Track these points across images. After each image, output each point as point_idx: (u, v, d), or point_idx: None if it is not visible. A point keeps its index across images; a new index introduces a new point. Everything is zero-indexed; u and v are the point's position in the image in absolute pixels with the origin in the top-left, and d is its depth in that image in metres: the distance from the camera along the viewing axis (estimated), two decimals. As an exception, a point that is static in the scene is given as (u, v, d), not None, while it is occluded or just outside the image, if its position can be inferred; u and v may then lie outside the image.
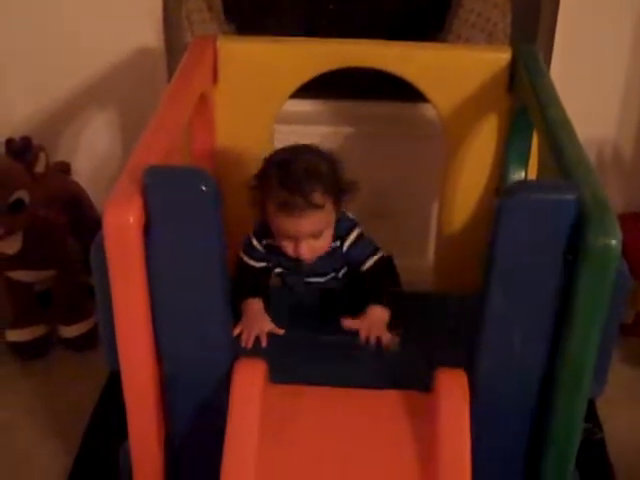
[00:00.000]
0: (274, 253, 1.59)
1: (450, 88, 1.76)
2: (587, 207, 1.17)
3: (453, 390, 1.30)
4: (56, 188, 2.09)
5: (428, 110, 2.08)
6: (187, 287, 1.27)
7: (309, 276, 1.63)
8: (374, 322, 1.51)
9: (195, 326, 1.30)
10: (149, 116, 2.16)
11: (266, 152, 1.80)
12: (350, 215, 1.60)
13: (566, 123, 1.43)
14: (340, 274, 1.64)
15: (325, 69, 1.76)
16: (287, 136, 2.12)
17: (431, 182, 2.07)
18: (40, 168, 1.95)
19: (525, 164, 1.79)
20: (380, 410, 1.36)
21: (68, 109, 2.23)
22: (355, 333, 1.49)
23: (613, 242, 1.14)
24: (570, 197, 1.17)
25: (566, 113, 1.47)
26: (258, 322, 1.53)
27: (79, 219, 2.15)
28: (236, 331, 1.51)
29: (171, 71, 2.11)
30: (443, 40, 2.00)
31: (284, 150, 1.53)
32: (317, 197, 1.44)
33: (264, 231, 1.57)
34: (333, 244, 1.56)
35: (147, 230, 1.22)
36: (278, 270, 1.65)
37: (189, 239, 1.23)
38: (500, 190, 1.81)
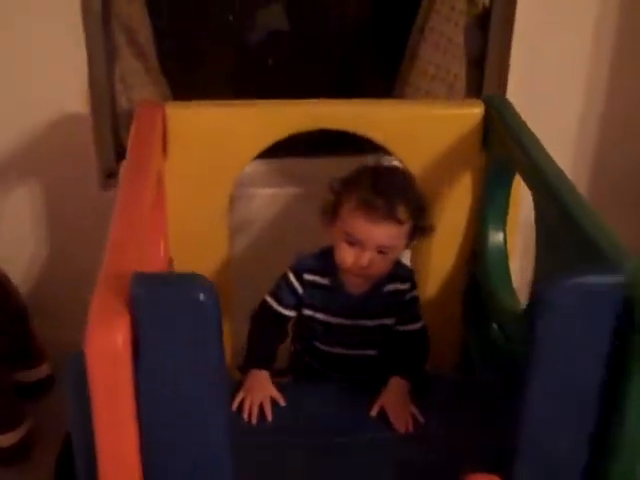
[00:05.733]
0: (318, 289, 1.51)
1: (421, 148, 1.64)
2: (633, 288, 1.06)
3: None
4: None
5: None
6: (184, 414, 1.08)
7: (358, 317, 1.53)
8: (400, 397, 1.45)
9: (193, 460, 1.10)
10: (74, 189, 1.99)
11: (221, 228, 1.66)
12: None
13: (568, 185, 1.33)
14: (390, 322, 1.55)
15: (286, 134, 1.61)
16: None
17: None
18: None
19: (503, 224, 1.68)
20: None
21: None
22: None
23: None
24: (618, 280, 1.05)
25: (561, 170, 1.38)
26: (261, 389, 1.45)
27: (2, 307, 1.91)
28: (236, 402, 1.43)
29: (99, 139, 1.93)
30: (400, 93, 1.88)
31: (380, 165, 1.53)
32: (401, 211, 1.41)
33: (309, 265, 1.52)
34: (400, 285, 1.53)
35: (135, 349, 1.03)
36: (319, 317, 1.54)
37: (187, 357, 1.04)
38: (478, 253, 1.69)
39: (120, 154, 2.01)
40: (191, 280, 1.04)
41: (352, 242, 1.43)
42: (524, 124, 1.54)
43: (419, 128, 1.62)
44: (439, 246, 1.72)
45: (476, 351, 1.71)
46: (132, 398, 1.04)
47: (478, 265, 1.71)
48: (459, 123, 1.62)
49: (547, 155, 1.43)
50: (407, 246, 1.50)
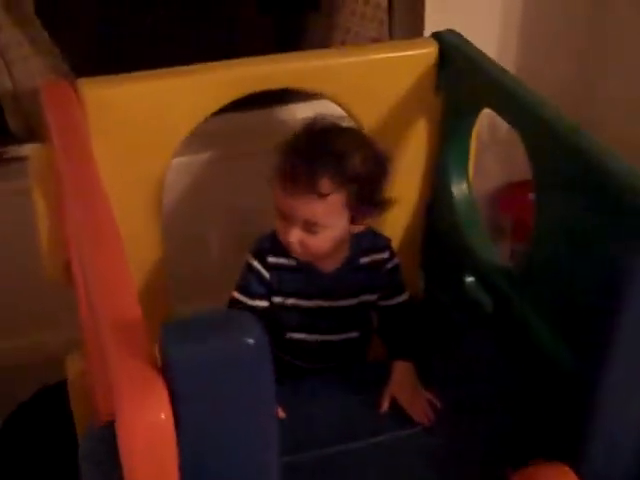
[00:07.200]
0: (285, 272, 1.33)
1: (373, 99, 1.46)
2: None
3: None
4: None
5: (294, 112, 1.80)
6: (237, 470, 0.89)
7: (335, 297, 1.35)
8: (409, 383, 1.30)
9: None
10: None
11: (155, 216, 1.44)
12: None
13: (582, 132, 1.20)
14: (372, 298, 1.38)
15: (224, 102, 1.38)
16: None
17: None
18: None
19: (466, 171, 1.54)
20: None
21: None
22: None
23: None
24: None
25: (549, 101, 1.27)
26: None
27: None
28: None
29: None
30: (324, 39, 1.66)
31: (320, 123, 1.28)
32: (324, 184, 1.20)
33: (270, 247, 1.34)
34: (378, 255, 1.36)
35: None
36: (291, 302, 1.35)
37: (238, 412, 0.85)
38: (441, 204, 1.54)
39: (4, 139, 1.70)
40: (233, 321, 0.83)
41: (282, 216, 1.26)
42: (489, 57, 1.40)
43: (371, 77, 1.44)
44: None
45: (454, 309, 1.58)
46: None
47: (442, 218, 1.57)
48: (413, 65, 1.46)
49: (527, 87, 1.31)
50: (354, 221, 1.30)
